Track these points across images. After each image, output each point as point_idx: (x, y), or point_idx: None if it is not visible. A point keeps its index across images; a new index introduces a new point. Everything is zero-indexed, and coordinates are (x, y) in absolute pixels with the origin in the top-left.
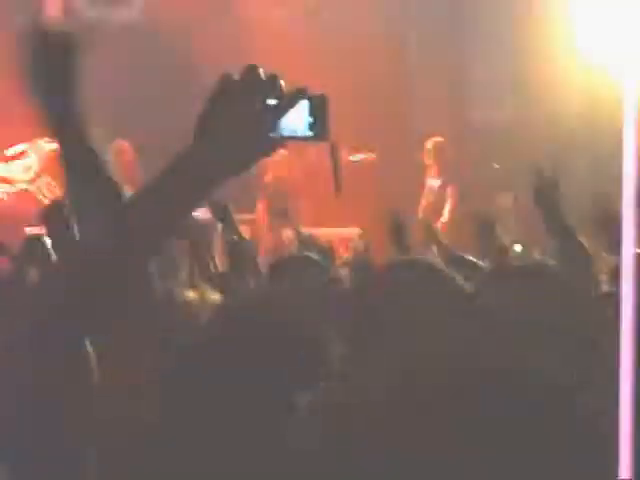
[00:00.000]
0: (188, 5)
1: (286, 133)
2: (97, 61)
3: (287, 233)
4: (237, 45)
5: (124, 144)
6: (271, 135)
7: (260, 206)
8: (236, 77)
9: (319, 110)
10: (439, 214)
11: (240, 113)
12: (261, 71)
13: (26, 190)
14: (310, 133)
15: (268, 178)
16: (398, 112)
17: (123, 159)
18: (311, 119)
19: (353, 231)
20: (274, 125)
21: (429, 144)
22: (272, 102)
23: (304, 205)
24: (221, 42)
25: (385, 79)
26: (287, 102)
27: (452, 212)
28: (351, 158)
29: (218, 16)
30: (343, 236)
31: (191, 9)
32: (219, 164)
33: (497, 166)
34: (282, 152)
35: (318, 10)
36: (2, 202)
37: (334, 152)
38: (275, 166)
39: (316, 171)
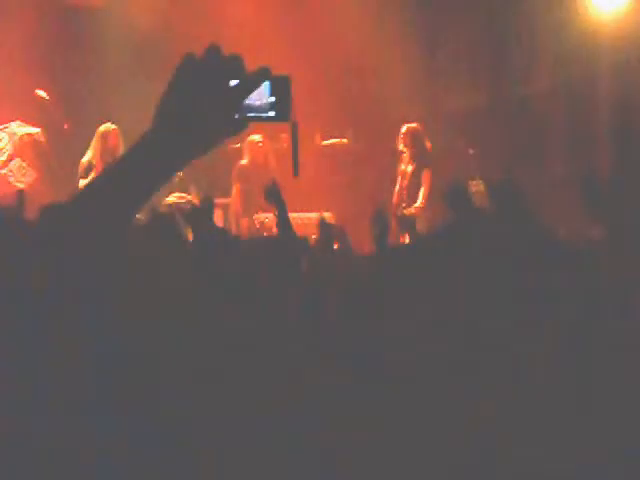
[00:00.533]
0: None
1: (249, 113)
2: (73, 47)
3: (261, 217)
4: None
5: (112, 128)
6: (234, 116)
7: (235, 190)
8: (198, 58)
9: (281, 91)
10: (413, 199)
11: (203, 94)
12: (223, 52)
13: None
14: (272, 113)
15: (243, 162)
16: (373, 98)
17: (110, 142)
18: (273, 99)
19: (326, 215)
20: (237, 106)
21: (403, 129)
22: (234, 83)
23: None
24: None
25: (360, 65)
26: (249, 83)
27: (426, 197)
28: (324, 143)
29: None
30: (314, 221)
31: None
32: (183, 145)
33: (472, 151)
34: (258, 137)
35: None
36: None
37: (294, 133)
38: (251, 150)
39: (288, 156)
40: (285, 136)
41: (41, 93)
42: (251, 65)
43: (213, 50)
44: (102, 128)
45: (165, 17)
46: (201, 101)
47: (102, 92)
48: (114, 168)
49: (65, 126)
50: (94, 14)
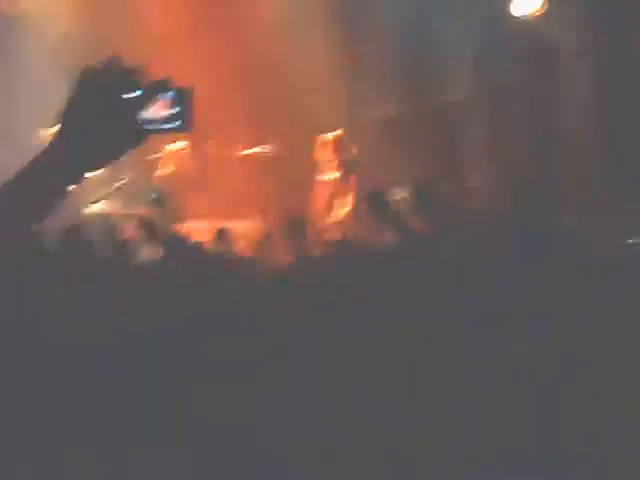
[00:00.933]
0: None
1: (149, 125)
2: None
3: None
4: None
5: None
6: (135, 126)
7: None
8: (98, 69)
9: (184, 102)
10: (338, 207)
11: (103, 105)
12: (124, 63)
13: None
14: (174, 125)
15: (163, 171)
16: (292, 106)
17: None
18: (175, 110)
19: (248, 225)
20: (138, 116)
21: (326, 138)
22: (135, 94)
23: (201, 198)
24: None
25: (281, 73)
26: (150, 93)
27: (353, 205)
28: (245, 152)
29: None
30: (239, 229)
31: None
32: (84, 155)
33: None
34: (180, 145)
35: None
36: None
37: (200, 144)
38: (172, 159)
39: (213, 165)
40: (211, 142)
41: None
42: (159, 73)
43: (113, 61)
44: None
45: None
46: (100, 112)
47: (24, 99)
48: (16, 178)
49: None
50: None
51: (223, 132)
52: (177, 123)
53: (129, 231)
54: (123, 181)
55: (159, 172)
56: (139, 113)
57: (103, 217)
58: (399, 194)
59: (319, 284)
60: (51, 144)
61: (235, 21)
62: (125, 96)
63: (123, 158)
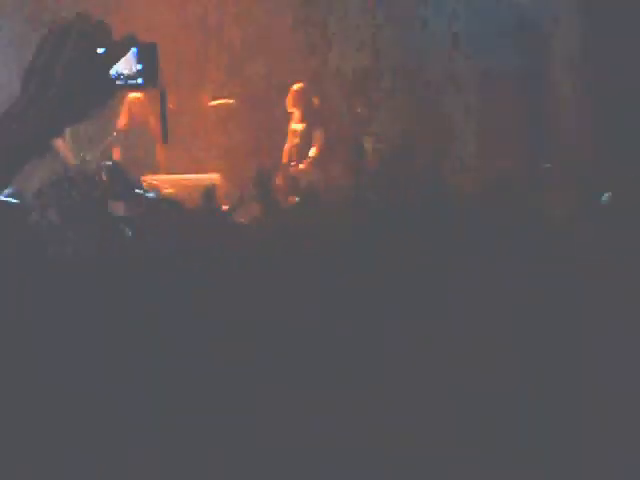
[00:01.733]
0: None
1: (118, 81)
2: None
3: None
4: None
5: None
6: (102, 82)
7: (115, 153)
8: (65, 26)
9: (149, 58)
10: (303, 157)
11: (69, 61)
12: (90, 19)
13: None
14: (140, 81)
15: (121, 124)
16: (259, 57)
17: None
18: (140, 66)
19: (213, 177)
20: (104, 73)
21: (293, 89)
22: (101, 50)
23: (164, 152)
24: None
25: (247, 27)
26: (116, 50)
27: (316, 155)
28: (211, 104)
29: None
30: (203, 182)
31: None
32: (51, 112)
33: (359, 110)
34: (139, 98)
35: None
36: None
37: (163, 100)
38: (131, 112)
39: (174, 118)
40: (173, 97)
41: None
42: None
43: (80, 17)
44: None
45: None
46: (68, 69)
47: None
48: None
49: None
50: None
51: (190, 84)
52: (144, 79)
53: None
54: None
55: (120, 122)
56: (106, 69)
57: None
58: (367, 142)
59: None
60: (20, 99)
61: None
62: (92, 51)
63: (91, 114)
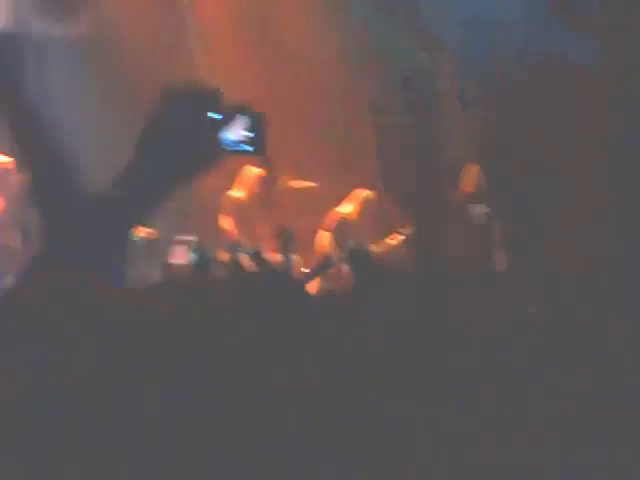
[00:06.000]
0: (139, 21)
1: (226, 147)
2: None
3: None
4: (189, 62)
5: None
6: (213, 146)
7: (225, 221)
8: (179, 91)
9: (258, 126)
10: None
11: (182, 126)
12: (204, 85)
13: None
14: (249, 148)
15: (237, 194)
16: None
17: None
18: (250, 135)
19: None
20: (215, 139)
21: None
22: (214, 116)
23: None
24: (172, 58)
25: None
26: (228, 117)
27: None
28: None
29: (170, 32)
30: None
31: (143, 26)
32: (162, 177)
33: None
34: (256, 169)
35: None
36: None
37: (268, 168)
38: (246, 182)
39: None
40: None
41: None
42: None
43: (194, 83)
44: None
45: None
46: (180, 133)
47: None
48: (97, 199)
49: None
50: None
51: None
52: (252, 146)
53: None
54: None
55: (233, 193)
56: (217, 133)
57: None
58: None
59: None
60: (133, 164)
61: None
62: (205, 116)
63: (200, 177)
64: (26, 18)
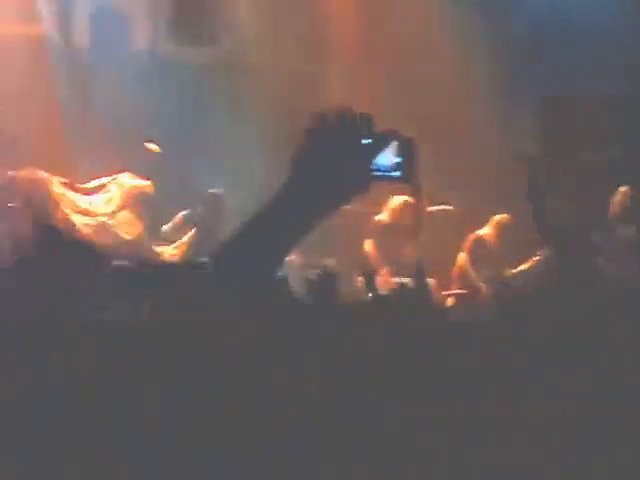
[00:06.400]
0: (277, 46)
1: (376, 173)
2: (183, 101)
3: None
4: (329, 90)
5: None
6: (363, 173)
7: (368, 247)
8: (332, 116)
9: (407, 152)
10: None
11: (335, 152)
12: (355, 111)
13: (105, 223)
14: (398, 174)
15: (383, 218)
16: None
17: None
18: (399, 160)
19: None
20: (367, 164)
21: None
22: (365, 142)
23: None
24: (311, 84)
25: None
26: (379, 142)
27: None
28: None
29: (308, 59)
30: None
31: (281, 51)
32: (314, 201)
33: None
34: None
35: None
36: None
37: (418, 195)
38: (395, 209)
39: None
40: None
41: (151, 146)
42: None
43: (345, 109)
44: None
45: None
46: (334, 158)
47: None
48: (250, 223)
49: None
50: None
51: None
52: (401, 173)
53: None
54: None
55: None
56: (367, 160)
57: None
58: None
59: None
60: (286, 188)
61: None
62: (358, 141)
63: (350, 202)
64: (163, 44)
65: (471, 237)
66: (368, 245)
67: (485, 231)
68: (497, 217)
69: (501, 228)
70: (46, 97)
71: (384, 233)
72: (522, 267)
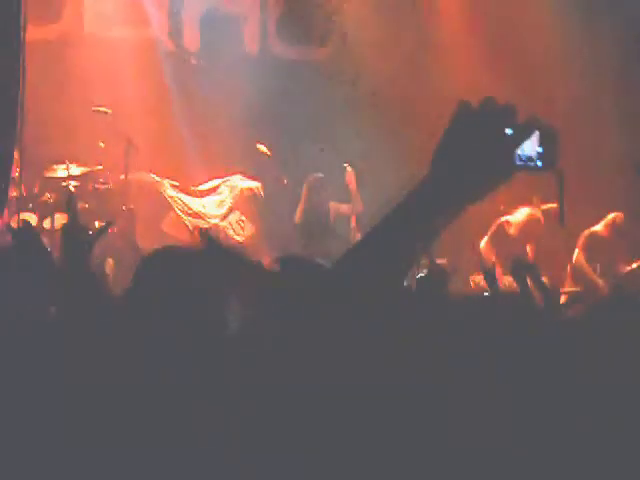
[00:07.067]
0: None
1: (519, 162)
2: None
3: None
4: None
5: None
6: (507, 162)
7: (484, 245)
8: (475, 107)
9: (549, 141)
10: None
11: (479, 141)
12: (498, 101)
13: (217, 225)
14: (539, 163)
15: (512, 220)
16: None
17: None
18: (541, 149)
19: None
20: (511, 154)
21: None
22: (509, 131)
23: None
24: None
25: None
26: (523, 132)
27: None
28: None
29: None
30: None
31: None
32: (458, 191)
33: None
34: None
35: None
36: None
37: (561, 183)
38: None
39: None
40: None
41: (261, 148)
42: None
43: (489, 99)
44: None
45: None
46: (477, 148)
47: (313, 147)
48: (390, 216)
49: (284, 181)
50: (315, 68)
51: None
52: (543, 162)
53: None
54: None
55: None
56: (513, 150)
57: None
58: None
59: None
60: (430, 178)
61: None
62: (501, 132)
63: (491, 194)
64: (274, 44)
65: (585, 233)
66: (483, 243)
67: (598, 228)
68: (611, 215)
69: (615, 226)
70: (158, 101)
71: (503, 233)
72: (635, 265)
